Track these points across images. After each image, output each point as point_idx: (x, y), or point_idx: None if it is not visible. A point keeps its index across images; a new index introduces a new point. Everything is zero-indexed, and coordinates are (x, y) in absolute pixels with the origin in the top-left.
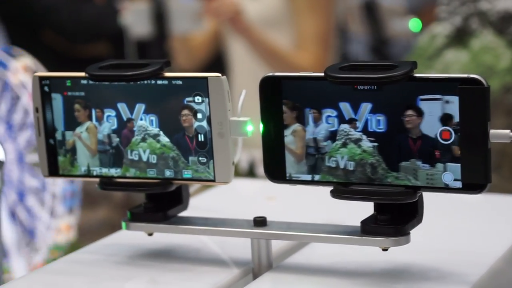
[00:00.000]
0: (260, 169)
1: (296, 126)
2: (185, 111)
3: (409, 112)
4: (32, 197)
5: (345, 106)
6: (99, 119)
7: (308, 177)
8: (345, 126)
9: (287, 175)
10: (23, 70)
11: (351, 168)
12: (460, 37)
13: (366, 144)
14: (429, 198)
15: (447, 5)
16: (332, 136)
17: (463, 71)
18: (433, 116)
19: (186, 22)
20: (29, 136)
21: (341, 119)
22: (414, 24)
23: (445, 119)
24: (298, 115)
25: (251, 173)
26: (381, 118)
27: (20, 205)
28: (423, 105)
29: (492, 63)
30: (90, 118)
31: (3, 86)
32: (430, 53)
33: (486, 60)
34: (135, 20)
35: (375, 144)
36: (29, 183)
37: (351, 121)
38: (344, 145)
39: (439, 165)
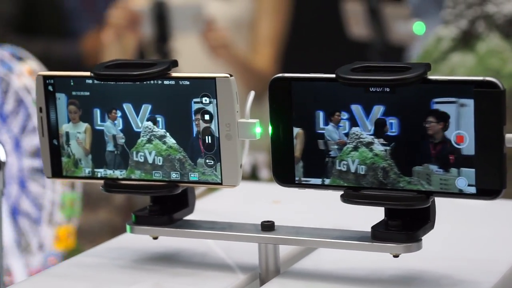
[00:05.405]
0: (263, 173)
1: (298, 130)
2: (198, 115)
3: (430, 118)
4: (34, 183)
5: (357, 109)
6: (112, 119)
7: (318, 181)
8: (356, 129)
9: (296, 178)
10: (9, 57)
11: (362, 172)
12: (466, 40)
13: (378, 147)
14: (441, 204)
15: (453, 8)
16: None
17: (469, 75)
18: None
19: (186, 23)
20: (23, 120)
21: (353, 121)
22: (418, 27)
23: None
24: (308, 117)
25: (253, 176)
26: (394, 121)
27: (23, 194)
28: (441, 109)
29: (499, 66)
30: (84, 119)
31: None
32: (436, 56)
33: (493, 64)
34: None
35: (387, 147)
36: (27, 166)
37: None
38: (355, 148)
39: (453, 170)
